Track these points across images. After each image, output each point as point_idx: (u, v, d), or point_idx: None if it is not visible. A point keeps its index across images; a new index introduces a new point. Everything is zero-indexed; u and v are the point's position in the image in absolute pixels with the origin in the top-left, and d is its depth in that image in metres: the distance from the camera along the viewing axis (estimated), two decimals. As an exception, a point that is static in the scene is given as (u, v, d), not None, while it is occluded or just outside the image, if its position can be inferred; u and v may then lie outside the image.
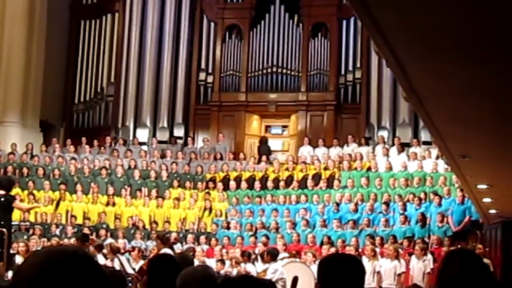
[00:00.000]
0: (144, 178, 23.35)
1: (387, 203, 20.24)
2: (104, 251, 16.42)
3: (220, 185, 22.90)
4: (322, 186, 22.06)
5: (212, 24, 28.33)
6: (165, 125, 27.52)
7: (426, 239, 18.38)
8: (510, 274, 17.11)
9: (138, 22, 28.20)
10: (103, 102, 28.67)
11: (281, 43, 27.14)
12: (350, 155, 23.37)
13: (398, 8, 4.90)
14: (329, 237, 18.92)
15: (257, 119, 27.64)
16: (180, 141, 27.06)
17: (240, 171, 23.61)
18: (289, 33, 27.24)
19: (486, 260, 14.44)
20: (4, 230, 14.54)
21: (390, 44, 5.68)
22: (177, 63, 28.12)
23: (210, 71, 27.93)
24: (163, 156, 25.03)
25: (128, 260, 16.98)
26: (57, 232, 20.59)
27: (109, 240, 19.33)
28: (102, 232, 20.42)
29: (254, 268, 16.16)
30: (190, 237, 20.38)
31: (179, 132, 27.51)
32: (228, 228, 20.79)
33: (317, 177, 22.50)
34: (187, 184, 23.10)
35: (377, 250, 17.52)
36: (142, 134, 27.09)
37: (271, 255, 15.06)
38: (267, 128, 27.76)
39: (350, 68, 26.73)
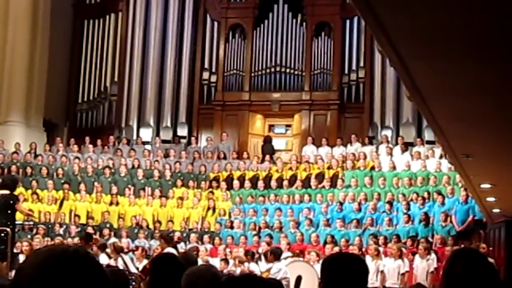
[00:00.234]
0: (147, 177, 23.36)
1: (390, 203, 20.22)
2: (108, 250, 16.40)
3: (223, 185, 22.90)
4: (326, 185, 22.06)
5: (216, 24, 28.34)
6: (169, 124, 27.53)
7: (429, 239, 18.37)
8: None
9: (141, 22, 28.22)
10: (106, 101, 28.69)
11: (284, 42, 27.14)
12: (353, 154, 23.35)
13: (401, 7, 4.89)
14: (332, 237, 18.92)
15: (260, 119, 27.64)
16: (183, 141, 27.09)
17: (243, 171, 23.61)
18: (292, 32, 27.24)
19: (490, 260, 14.42)
20: (8, 229, 14.54)
21: (393, 43, 5.67)
22: (181, 62, 28.13)
23: (213, 70, 27.94)
24: (166, 155, 25.04)
25: (132, 259, 16.97)
26: (61, 232, 20.62)
27: (113, 240, 19.34)
28: (106, 231, 20.45)
29: (258, 268, 16.16)
30: (193, 236, 20.39)
31: (182, 131, 27.53)
32: (231, 227, 20.81)
33: (320, 177, 22.49)
34: (191, 183, 23.10)
35: (381, 249, 17.52)
36: (146, 134, 27.10)
37: (275, 255, 15.05)
38: (271, 127, 27.77)
39: (354, 67, 26.73)
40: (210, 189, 22.84)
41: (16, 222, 16.31)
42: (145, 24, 28.23)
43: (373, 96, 26.12)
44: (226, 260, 17.64)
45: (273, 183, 22.63)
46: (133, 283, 13.69)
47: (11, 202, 15.04)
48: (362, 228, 19.68)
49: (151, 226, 21.40)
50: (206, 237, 20.28)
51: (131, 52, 28.13)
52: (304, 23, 27.36)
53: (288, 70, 26.93)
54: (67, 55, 29.69)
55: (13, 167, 22.90)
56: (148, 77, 27.85)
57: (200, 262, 14.79)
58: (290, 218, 20.65)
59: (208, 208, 21.92)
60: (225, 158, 24.77)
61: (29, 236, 19.18)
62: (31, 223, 20.43)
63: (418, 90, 7.04)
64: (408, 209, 19.77)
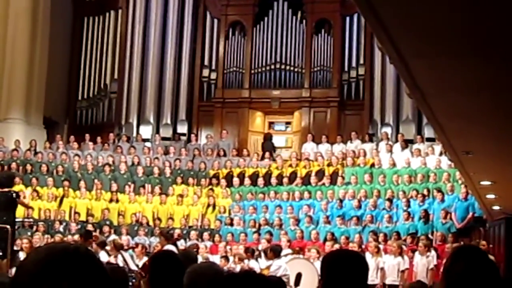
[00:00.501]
0: (147, 174, 23.37)
1: (390, 200, 20.23)
2: (108, 247, 16.42)
3: (223, 182, 22.90)
4: (326, 182, 22.06)
5: (216, 21, 28.34)
6: (169, 121, 27.54)
7: (429, 236, 18.38)
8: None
9: (141, 19, 28.22)
10: (106, 98, 28.70)
11: (284, 39, 27.14)
12: (353, 151, 23.34)
13: (401, 4, 4.89)
14: (332, 234, 18.94)
15: (260, 116, 27.65)
16: (183, 138, 27.11)
17: (243, 168, 23.61)
18: (292, 29, 27.25)
19: (490, 257, 14.43)
20: (8, 226, 14.54)
21: (393, 40, 5.66)
22: (181, 59, 28.13)
23: (213, 67, 27.95)
24: (166, 152, 25.04)
25: (132, 256, 16.98)
26: (61, 229, 20.64)
27: (113, 237, 19.35)
28: (106, 228, 20.46)
29: (258, 265, 16.16)
30: (193, 233, 20.40)
31: (182, 128, 27.54)
32: (231, 224, 20.82)
33: (320, 174, 22.50)
34: (191, 180, 23.11)
35: (381, 246, 17.53)
36: (146, 131, 27.11)
37: (274, 252, 15.06)
38: (271, 124, 27.78)
39: (354, 64, 26.74)
40: (210, 186, 22.84)
41: (16, 220, 16.33)
42: (145, 21, 28.23)
43: (373, 93, 26.13)
44: (226, 257, 17.64)
45: (273, 180, 22.64)
46: (133, 280, 13.69)
47: (11, 198, 15.05)
48: (362, 225, 19.70)
49: (151, 223, 21.41)
50: (206, 234, 20.29)
51: (131, 49, 28.13)
52: (304, 20, 27.36)
53: (288, 67, 26.93)
54: (67, 52, 29.68)
55: (13, 165, 22.93)
56: (148, 75, 27.86)
57: (200, 259, 14.80)
58: (290, 215, 20.66)
59: (208, 205, 21.93)
60: (225, 155, 24.77)
61: (29, 233, 19.19)
62: (31, 220, 20.45)
63: (418, 87, 7.04)
64: (408, 206, 19.78)
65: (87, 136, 25.61)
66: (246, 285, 3.13)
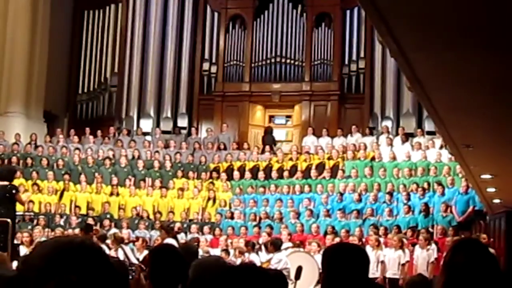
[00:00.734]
0: (148, 168, 23.37)
1: (390, 193, 20.24)
2: (108, 241, 16.43)
3: (223, 175, 22.92)
4: (326, 176, 22.07)
5: (216, 14, 28.31)
6: (169, 115, 27.53)
7: (430, 229, 18.39)
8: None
9: (141, 12, 28.20)
10: (106, 92, 28.69)
11: (284, 33, 27.12)
12: (354, 145, 23.34)
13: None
14: (333, 227, 18.94)
15: (260, 109, 27.65)
16: (183, 131, 27.10)
17: (243, 161, 23.62)
18: (292, 23, 27.21)
19: (490, 250, 14.43)
20: (8, 220, 14.54)
21: (393, 33, 5.66)
22: (181, 53, 28.12)
23: (213, 61, 27.93)
24: (166, 146, 25.04)
25: (132, 250, 16.99)
26: (61, 222, 20.64)
27: (113, 230, 19.37)
28: (106, 222, 20.48)
29: (258, 258, 16.16)
30: (194, 227, 20.41)
31: (182, 122, 27.54)
32: (232, 218, 20.83)
33: (320, 167, 22.50)
34: (191, 174, 23.12)
35: (381, 240, 17.53)
36: (146, 124, 27.11)
37: (275, 245, 15.07)
38: (271, 118, 27.77)
39: (354, 58, 26.71)
40: (211, 180, 22.85)
41: (17, 213, 16.33)
42: (145, 14, 28.20)
43: (374, 87, 26.11)
44: (226, 251, 17.64)
45: (274, 174, 22.65)
46: (133, 273, 13.70)
47: (11, 192, 15.04)
48: (362, 218, 19.70)
49: (151, 216, 21.41)
50: (206, 228, 20.30)
51: (131, 43, 28.11)
52: (304, 14, 27.33)
53: (288, 61, 26.91)
54: (67, 46, 29.67)
55: (14, 158, 22.92)
56: (148, 68, 27.84)
57: (200, 252, 14.81)
58: (290, 208, 20.66)
59: (209, 199, 21.95)
60: (225, 148, 24.78)
61: (29, 227, 19.19)
62: (32, 214, 20.45)
63: (418, 80, 7.04)
64: (408, 199, 19.78)
65: (88, 129, 25.61)
66: (246, 278, 3.13)
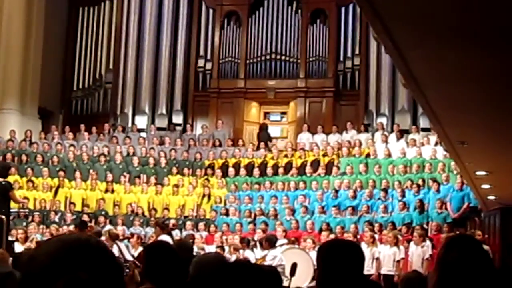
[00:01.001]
0: (143, 165, 23.36)
1: (385, 190, 20.24)
2: (103, 237, 16.42)
3: (219, 172, 22.92)
4: (321, 172, 22.08)
5: (211, 11, 28.28)
6: (164, 112, 27.52)
7: (424, 226, 18.40)
8: (508, 260, 17.14)
9: (136, 9, 28.17)
10: (101, 89, 28.66)
11: (279, 29, 27.09)
12: (349, 141, 23.38)
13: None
14: (328, 224, 18.93)
15: (256, 106, 27.63)
16: (178, 128, 27.07)
17: (239, 158, 23.62)
18: (287, 19, 27.19)
19: (485, 247, 14.44)
20: (3, 217, 14.54)
21: (389, 30, 5.66)
22: (176, 50, 28.10)
23: (208, 57, 27.90)
24: (161, 143, 25.04)
25: (127, 246, 17.00)
26: (56, 219, 20.60)
27: (108, 227, 19.35)
28: (101, 219, 20.46)
29: (253, 255, 16.18)
30: (189, 223, 20.41)
31: (177, 119, 27.51)
32: (227, 214, 20.81)
33: (315, 164, 22.50)
34: (186, 170, 23.12)
35: (376, 236, 17.54)
36: (141, 121, 27.09)
37: (270, 242, 15.06)
38: (266, 114, 27.75)
39: (349, 54, 26.69)
40: (206, 177, 22.85)
41: (11, 210, 16.32)
42: (140, 11, 28.17)
43: (369, 84, 26.12)
44: (221, 248, 17.63)
45: (269, 171, 22.65)
46: (127, 270, 13.71)
47: (4, 189, 15.04)
48: (357, 215, 19.71)
49: (146, 213, 21.40)
50: (201, 225, 20.28)
51: (126, 40, 28.09)
52: (300, 10, 27.30)
53: (283, 58, 26.89)
54: (62, 42, 29.61)
55: (8, 155, 22.88)
56: (143, 65, 27.82)
57: (195, 249, 14.82)
58: (285, 205, 20.66)
59: (204, 196, 21.94)
60: (220, 145, 24.77)
61: (24, 224, 19.18)
62: (26, 210, 20.43)
63: (413, 77, 7.05)
64: (403, 196, 19.80)
65: (82, 126, 25.58)
66: (241, 274, 3.13)
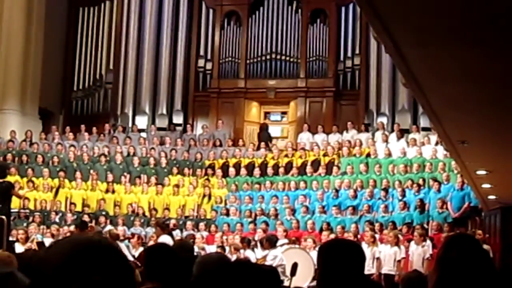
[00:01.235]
0: (143, 165, 23.35)
1: (386, 189, 20.24)
2: (104, 238, 16.41)
3: (219, 172, 22.92)
4: (321, 172, 22.07)
5: (211, 11, 28.27)
6: (164, 112, 27.52)
7: (425, 225, 18.40)
8: (509, 260, 17.13)
9: (136, 9, 28.16)
10: (102, 89, 28.66)
11: (280, 29, 27.08)
12: (349, 141, 23.37)
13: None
14: (328, 223, 18.93)
15: (256, 106, 27.62)
16: (179, 128, 27.07)
17: (239, 158, 23.62)
18: (288, 19, 27.18)
19: (485, 246, 14.45)
20: (3, 217, 14.54)
21: (389, 30, 5.66)
22: (176, 50, 28.09)
23: (209, 57, 27.89)
24: (162, 143, 25.03)
25: (128, 247, 17.01)
26: (57, 219, 20.61)
27: (109, 227, 19.36)
28: (102, 219, 20.45)
29: (254, 255, 16.18)
30: (189, 223, 20.41)
31: (178, 119, 27.51)
32: (227, 214, 20.80)
33: (316, 164, 22.50)
34: (186, 171, 23.11)
35: (377, 236, 17.54)
36: (141, 121, 27.09)
37: (270, 242, 15.06)
38: (266, 114, 27.74)
39: (349, 54, 26.68)
40: (206, 177, 22.85)
41: (12, 210, 16.32)
42: (140, 11, 28.17)
43: (369, 83, 26.11)
44: (222, 248, 17.63)
45: (269, 170, 22.64)
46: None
47: (4, 189, 15.03)
48: (358, 215, 19.70)
49: (147, 213, 21.40)
50: (202, 225, 20.28)
51: (126, 40, 28.09)
52: (300, 10, 27.30)
53: (283, 57, 26.89)
54: (62, 42, 29.61)
55: (9, 155, 22.87)
56: (144, 65, 27.82)
57: (196, 249, 14.82)
58: (286, 205, 20.65)
59: (204, 196, 21.93)
60: (220, 145, 24.77)
61: (24, 224, 19.17)
62: (27, 211, 20.44)
63: (413, 77, 7.04)
64: (404, 196, 19.79)
65: (83, 126, 25.58)
66: (241, 274, 3.13)
